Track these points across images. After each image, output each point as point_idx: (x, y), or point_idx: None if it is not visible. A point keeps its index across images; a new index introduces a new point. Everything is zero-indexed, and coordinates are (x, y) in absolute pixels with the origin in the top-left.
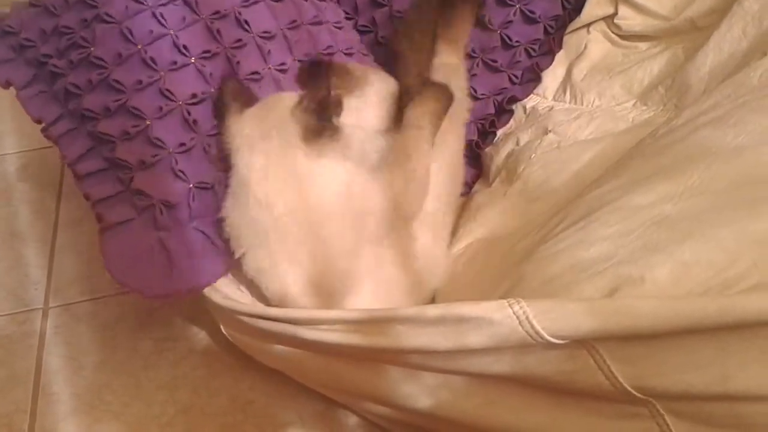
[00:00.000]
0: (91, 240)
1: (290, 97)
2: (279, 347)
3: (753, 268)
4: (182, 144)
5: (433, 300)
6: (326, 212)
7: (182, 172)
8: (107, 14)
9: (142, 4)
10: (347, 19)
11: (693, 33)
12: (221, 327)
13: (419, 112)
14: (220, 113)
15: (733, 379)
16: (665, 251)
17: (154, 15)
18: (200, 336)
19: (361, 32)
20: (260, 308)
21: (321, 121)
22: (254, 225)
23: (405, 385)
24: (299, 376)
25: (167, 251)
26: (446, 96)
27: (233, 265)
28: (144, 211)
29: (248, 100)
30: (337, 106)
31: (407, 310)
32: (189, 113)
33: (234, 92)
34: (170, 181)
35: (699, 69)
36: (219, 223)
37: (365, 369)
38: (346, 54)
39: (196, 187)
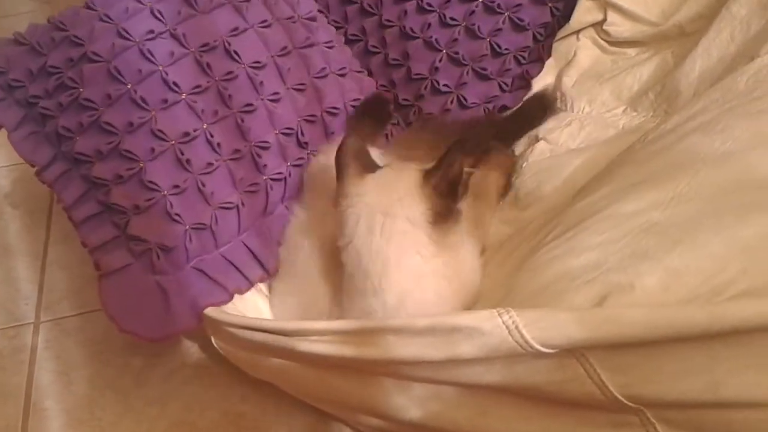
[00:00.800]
0: (81, 255)
1: (415, 171)
2: (270, 360)
3: (742, 275)
4: (176, 186)
5: None
6: (441, 300)
7: (178, 215)
8: (94, 53)
9: (129, 39)
10: (336, 27)
11: (681, 38)
12: (212, 340)
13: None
14: (338, 172)
15: (724, 387)
16: (654, 258)
17: (141, 52)
18: (191, 350)
19: (351, 41)
20: (250, 320)
21: (450, 202)
22: (361, 300)
23: (396, 396)
24: (291, 389)
25: (165, 294)
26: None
27: (236, 294)
28: (141, 256)
29: (368, 163)
30: (466, 189)
31: (397, 320)
32: (182, 153)
33: (355, 152)
34: (166, 225)
35: (688, 74)
36: (217, 256)
37: (356, 380)
38: (339, 75)
39: (192, 228)
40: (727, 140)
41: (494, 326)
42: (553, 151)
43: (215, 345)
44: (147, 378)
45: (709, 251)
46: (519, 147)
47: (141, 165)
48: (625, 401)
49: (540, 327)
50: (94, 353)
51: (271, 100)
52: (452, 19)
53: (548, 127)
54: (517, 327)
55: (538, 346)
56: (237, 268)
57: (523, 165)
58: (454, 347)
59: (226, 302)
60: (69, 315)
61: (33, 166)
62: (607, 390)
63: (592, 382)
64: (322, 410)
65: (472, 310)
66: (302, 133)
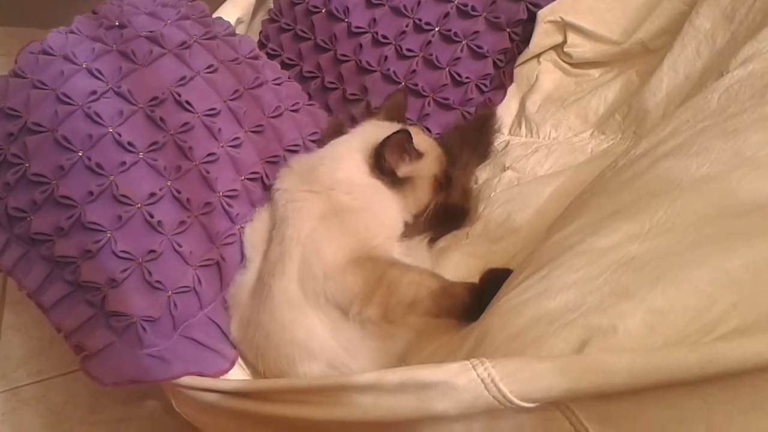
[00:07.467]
0: (37, 319)
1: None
2: (236, 422)
3: (732, 310)
4: (151, 251)
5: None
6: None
7: (158, 281)
8: (35, 123)
9: (71, 104)
10: (291, 65)
11: (646, 56)
12: (173, 404)
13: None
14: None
15: None
16: (636, 297)
17: (87, 115)
18: (155, 414)
19: (306, 79)
20: (206, 381)
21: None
22: None
23: None
24: None
25: (163, 360)
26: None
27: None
28: (125, 332)
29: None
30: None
31: (364, 376)
32: (151, 215)
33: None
34: (146, 294)
35: (655, 93)
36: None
37: None
38: (292, 111)
39: (175, 293)
40: (704, 163)
41: (469, 380)
42: (521, 180)
43: (177, 409)
44: None
45: (694, 286)
46: (484, 175)
47: (109, 235)
48: None
49: (518, 379)
50: (53, 423)
51: (232, 146)
52: (409, 50)
53: (515, 155)
54: (493, 380)
55: (517, 401)
56: (220, 328)
57: (491, 195)
58: (427, 404)
59: (226, 370)
60: (27, 383)
61: None
62: None
63: None
64: None
65: (444, 363)
66: (267, 176)
